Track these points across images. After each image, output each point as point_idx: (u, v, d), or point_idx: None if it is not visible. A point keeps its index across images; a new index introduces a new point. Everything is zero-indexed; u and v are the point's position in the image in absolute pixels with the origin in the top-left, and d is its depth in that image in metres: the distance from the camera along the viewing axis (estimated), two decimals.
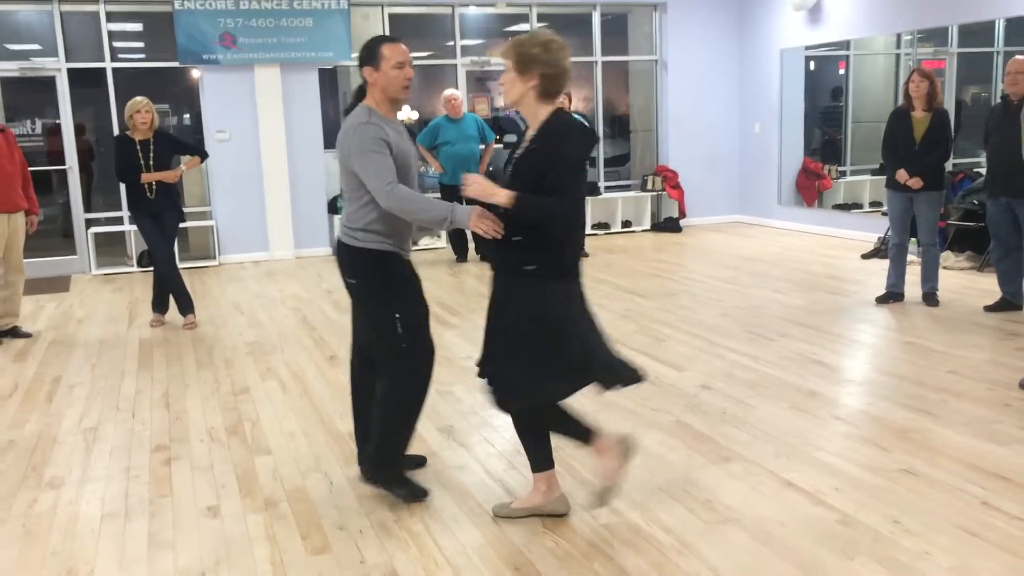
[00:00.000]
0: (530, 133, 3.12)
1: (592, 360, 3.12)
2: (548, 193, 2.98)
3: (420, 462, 3.86)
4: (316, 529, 3.31)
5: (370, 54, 3.36)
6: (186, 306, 6.77)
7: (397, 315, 3.38)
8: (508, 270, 3.13)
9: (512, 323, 3.11)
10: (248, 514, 3.47)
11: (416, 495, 3.50)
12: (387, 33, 10.30)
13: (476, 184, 3.09)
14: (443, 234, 10.27)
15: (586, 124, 3.24)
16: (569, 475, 3.71)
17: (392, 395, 3.45)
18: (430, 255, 9.95)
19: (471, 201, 3.14)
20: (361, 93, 3.43)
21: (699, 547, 3.07)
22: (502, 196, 3.01)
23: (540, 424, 3.30)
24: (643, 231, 11.24)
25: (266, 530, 3.33)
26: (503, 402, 3.22)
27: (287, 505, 3.54)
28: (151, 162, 6.47)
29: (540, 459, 3.32)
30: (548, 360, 3.08)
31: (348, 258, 3.42)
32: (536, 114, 3.10)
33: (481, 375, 3.25)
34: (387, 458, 3.52)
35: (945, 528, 3.14)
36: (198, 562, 3.11)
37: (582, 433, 3.27)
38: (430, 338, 3.52)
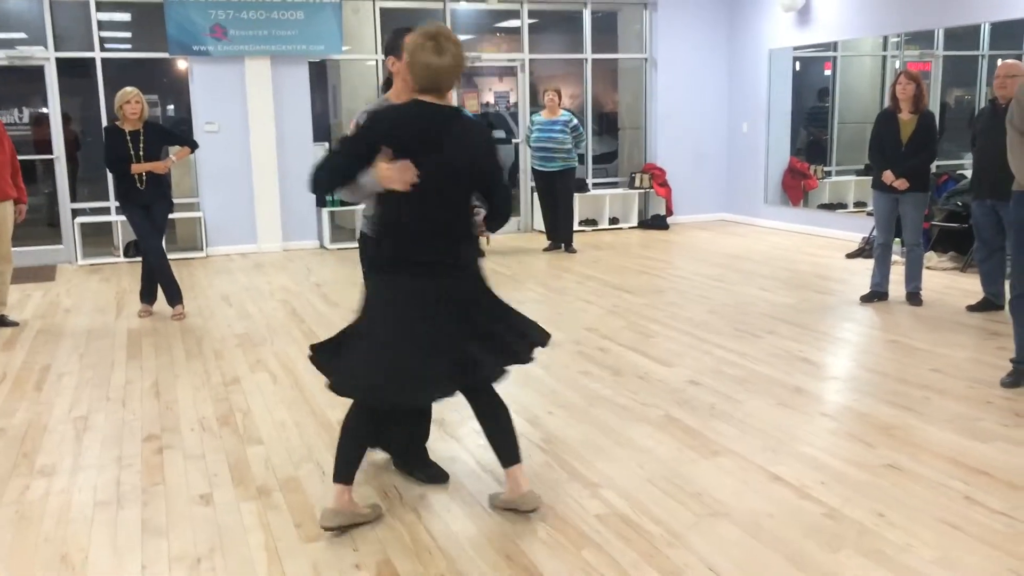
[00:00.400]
0: None
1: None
2: None
3: (443, 477, 3.67)
4: (310, 518, 3.34)
5: (394, 44, 3.34)
6: (174, 297, 6.77)
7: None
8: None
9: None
10: (241, 502, 3.50)
11: (437, 478, 3.62)
12: (378, 27, 10.30)
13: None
14: None
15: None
16: (560, 468, 3.75)
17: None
18: None
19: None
20: (387, 85, 3.46)
21: (689, 539, 3.12)
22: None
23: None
24: (630, 228, 11.30)
25: (259, 518, 3.35)
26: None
27: (280, 494, 3.57)
28: (141, 153, 6.46)
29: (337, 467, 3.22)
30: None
31: (360, 247, 3.43)
32: None
33: None
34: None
35: (928, 522, 3.20)
36: (192, 549, 3.13)
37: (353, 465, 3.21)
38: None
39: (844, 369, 5.15)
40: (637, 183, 11.41)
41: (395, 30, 3.38)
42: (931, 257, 7.94)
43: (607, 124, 13.08)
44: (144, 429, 4.36)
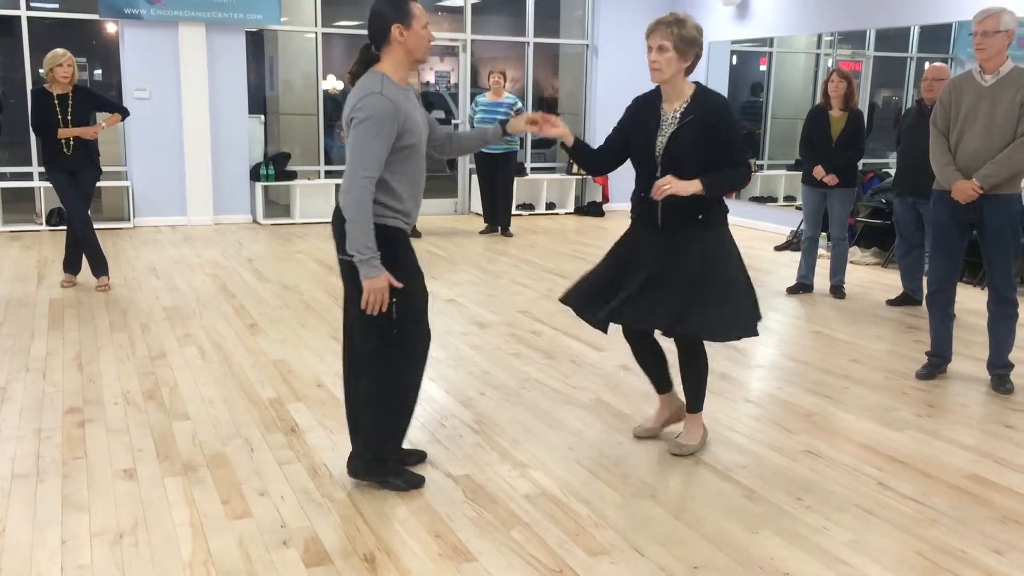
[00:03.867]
0: (675, 107, 3.48)
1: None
2: (725, 158, 3.42)
3: (421, 457, 3.63)
4: (237, 494, 3.31)
5: (399, 11, 3.10)
6: (100, 267, 6.59)
7: (395, 300, 3.13)
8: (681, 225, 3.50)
9: (702, 268, 3.50)
10: (166, 478, 3.45)
11: (414, 483, 3.38)
12: (319, 2, 10.13)
13: (670, 187, 3.37)
14: None
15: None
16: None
17: (384, 387, 3.26)
18: None
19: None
20: (370, 55, 3.19)
21: (614, 519, 3.19)
22: (695, 186, 3.37)
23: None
24: (567, 214, 11.37)
25: (185, 494, 3.31)
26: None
27: (207, 470, 3.52)
28: (69, 117, 6.26)
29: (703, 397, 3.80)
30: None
31: (343, 232, 3.12)
32: (682, 90, 3.49)
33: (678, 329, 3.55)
34: (383, 454, 3.36)
35: (843, 506, 3.33)
36: (114, 524, 3.08)
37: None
38: (428, 326, 3.35)
39: (768, 357, 5.30)
40: (574, 169, 11.48)
41: None
42: (855, 252, 8.19)
43: (547, 109, 13.05)
44: (65, 402, 4.25)
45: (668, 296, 3.51)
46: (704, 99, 3.47)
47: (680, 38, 3.40)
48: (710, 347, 3.78)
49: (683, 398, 3.83)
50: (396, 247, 3.17)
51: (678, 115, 3.47)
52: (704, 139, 3.42)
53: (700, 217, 3.49)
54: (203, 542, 2.96)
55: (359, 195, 3.02)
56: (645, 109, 3.58)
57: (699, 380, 3.75)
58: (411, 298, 3.22)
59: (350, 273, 3.18)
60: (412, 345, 3.29)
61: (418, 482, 3.40)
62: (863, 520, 3.22)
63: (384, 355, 3.23)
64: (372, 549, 2.95)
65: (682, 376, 3.77)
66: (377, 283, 3.06)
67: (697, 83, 3.54)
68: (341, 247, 3.18)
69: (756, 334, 3.63)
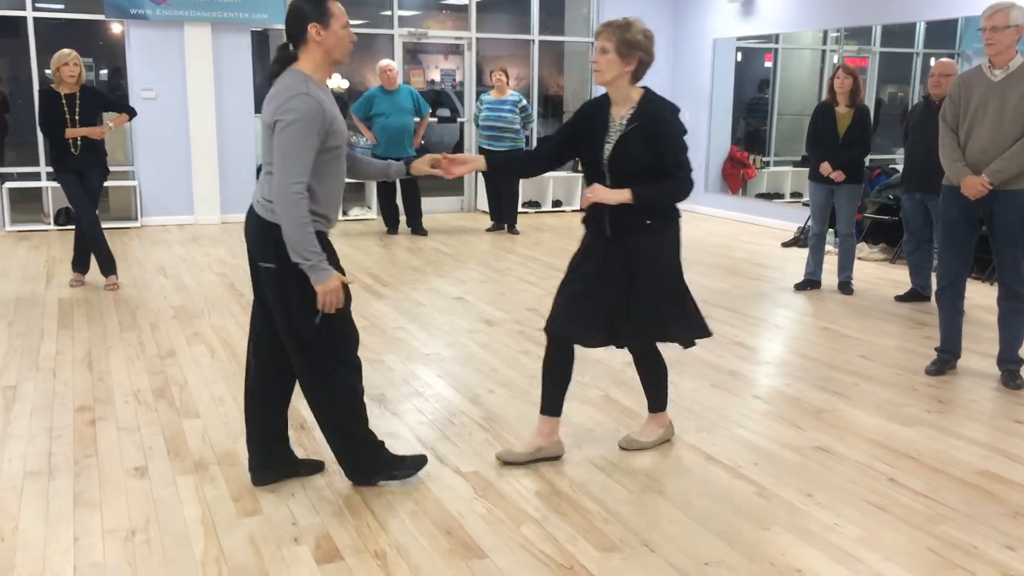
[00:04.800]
0: (622, 112, 3.40)
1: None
2: (668, 168, 3.33)
3: (319, 467, 3.51)
4: (248, 492, 3.32)
5: (316, 10, 3.01)
6: (108, 267, 6.61)
7: (318, 308, 3.06)
8: (628, 230, 3.44)
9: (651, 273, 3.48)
10: (177, 476, 3.46)
11: (418, 465, 3.44)
12: None
13: (598, 194, 3.36)
14: (374, 205, 10.22)
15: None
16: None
17: (328, 396, 3.22)
18: (360, 226, 9.90)
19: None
20: (287, 55, 3.08)
21: (624, 515, 3.19)
22: (624, 195, 3.31)
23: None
24: (573, 211, 11.36)
25: (196, 492, 3.32)
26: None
27: (217, 468, 3.53)
28: (77, 117, 6.27)
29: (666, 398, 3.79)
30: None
31: (265, 236, 3.03)
32: (628, 95, 3.41)
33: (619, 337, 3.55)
34: (367, 457, 3.33)
35: (854, 502, 3.32)
36: (126, 521, 3.09)
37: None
38: (354, 323, 3.27)
39: (777, 354, 5.29)
40: (580, 167, 11.46)
41: None
42: (863, 248, 8.17)
43: (552, 107, 13.10)
44: (76, 400, 4.27)
45: (634, 310, 3.50)
46: (650, 106, 3.37)
47: (623, 41, 3.32)
48: (712, 347, 3.78)
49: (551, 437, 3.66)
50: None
51: (624, 121, 3.38)
52: (647, 147, 3.33)
53: (648, 223, 3.42)
54: (215, 539, 2.97)
55: (294, 203, 2.91)
56: (594, 114, 3.49)
57: (657, 381, 3.76)
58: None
59: (268, 281, 3.11)
60: (343, 347, 3.21)
61: (422, 462, 3.46)
62: (874, 516, 3.21)
63: (322, 364, 3.17)
64: (383, 546, 2.95)
65: (640, 378, 3.81)
66: (330, 284, 3.00)
67: (646, 89, 3.44)
68: (260, 253, 3.10)
69: (708, 334, 3.67)
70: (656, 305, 3.51)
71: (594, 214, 3.50)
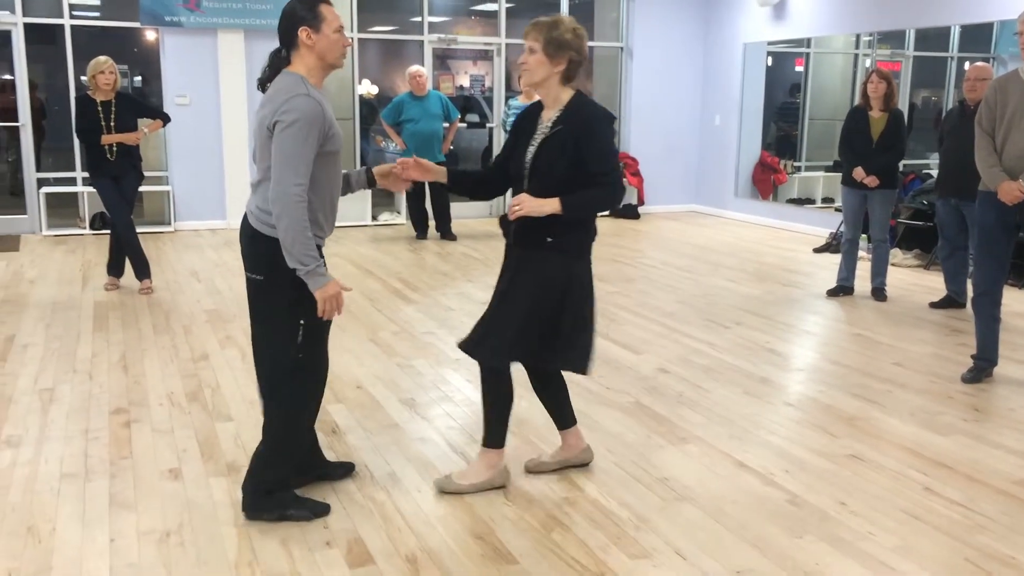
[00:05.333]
0: (550, 115, 3.23)
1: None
2: (593, 175, 3.13)
3: (349, 469, 3.51)
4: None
5: (307, 14, 2.95)
6: (143, 271, 6.70)
7: (302, 322, 3.00)
8: (528, 244, 3.24)
9: (523, 288, 3.24)
10: (211, 478, 3.49)
11: (318, 511, 3.17)
12: (354, 3, 10.21)
13: (526, 205, 3.14)
14: (403, 210, 10.26)
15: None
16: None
17: (282, 413, 3.11)
18: (390, 231, 9.95)
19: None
20: (279, 60, 3.03)
21: (656, 522, 3.17)
22: (553, 205, 3.12)
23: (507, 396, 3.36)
24: (602, 216, 11.32)
25: (229, 494, 3.35)
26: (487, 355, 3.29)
27: None
28: (112, 123, 6.37)
29: (499, 435, 3.38)
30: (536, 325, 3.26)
31: (257, 248, 2.98)
32: (558, 97, 3.22)
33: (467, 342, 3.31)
34: (273, 484, 3.14)
35: (888, 511, 3.28)
36: (161, 523, 3.12)
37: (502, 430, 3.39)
38: (327, 352, 3.22)
39: (809, 361, 5.24)
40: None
41: None
42: (896, 254, 8.08)
43: None
44: (111, 402, 4.32)
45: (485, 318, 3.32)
46: (576, 110, 3.17)
47: (550, 41, 3.15)
48: (744, 354, 3.73)
49: (576, 443, 3.62)
50: None
51: (550, 124, 3.20)
52: (569, 152, 3.13)
53: (549, 240, 3.20)
54: (248, 542, 3.00)
55: (293, 205, 2.84)
56: (527, 117, 3.34)
57: (486, 407, 3.38)
58: (316, 323, 3.04)
59: (256, 293, 3.06)
60: (313, 369, 3.15)
61: (322, 511, 3.17)
62: (909, 525, 3.17)
63: (288, 380, 3.08)
64: (414, 550, 2.96)
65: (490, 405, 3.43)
66: (328, 291, 2.93)
67: (577, 92, 3.25)
68: (250, 264, 3.05)
69: (576, 371, 3.38)
70: (504, 317, 3.26)
71: (503, 219, 3.31)
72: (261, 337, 3.13)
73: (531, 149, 3.25)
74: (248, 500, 3.15)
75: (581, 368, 3.38)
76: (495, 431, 3.38)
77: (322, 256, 3.01)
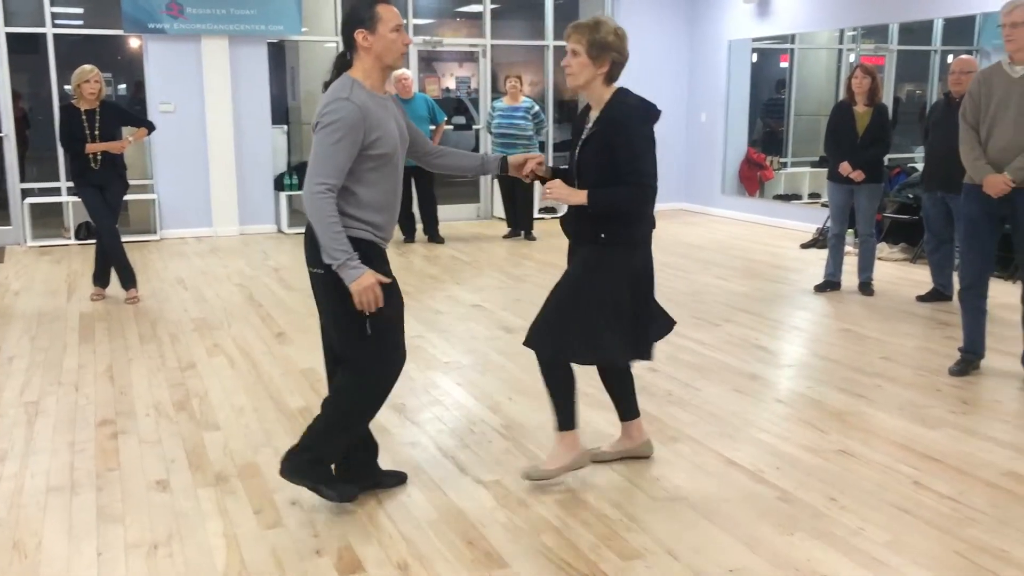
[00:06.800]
0: (594, 115, 3.32)
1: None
2: (623, 173, 3.18)
3: (402, 479, 3.50)
4: (269, 504, 3.32)
5: (363, 15, 2.97)
6: (128, 280, 6.65)
7: (368, 316, 3.03)
8: (585, 240, 3.35)
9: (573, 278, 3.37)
10: (199, 488, 3.47)
11: (345, 495, 3.20)
12: (338, 8, 10.18)
13: (556, 192, 3.28)
14: None
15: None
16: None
17: (348, 394, 3.16)
18: None
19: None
20: (342, 62, 3.07)
21: (647, 522, 3.17)
22: (580, 197, 3.24)
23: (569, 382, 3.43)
24: None
25: (218, 505, 3.32)
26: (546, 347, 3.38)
27: (238, 480, 3.54)
28: (97, 132, 6.33)
29: (569, 418, 3.45)
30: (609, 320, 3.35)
31: (316, 243, 3.02)
32: (601, 97, 3.30)
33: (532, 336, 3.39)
34: (323, 456, 3.17)
35: (879, 506, 3.28)
36: (149, 535, 3.10)
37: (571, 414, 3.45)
38: (403, 344, 3.22)
39: (798, 356, 5.24)
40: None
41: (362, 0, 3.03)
42: (883, 248, 8.10)
43: (568, 112, 13.10)
44: (98, 414, 4.29)
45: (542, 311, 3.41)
46: (614, 110, 3.25)
47: (593, 43, 3.21)
48: (733, 350, 3.73)
49: (638, 435, 3.69)
50: (369, 263, 3.00)
51: (591, 124, 3.32)
52: (604, 152, 3.23)
53: (602, 236, 3.29)
54: (237, 552, 2.98)
55: (318, 203, 2.92)
56: (581, 117, 3.46)
57: (552, 395, 3.45)
58: (383, 316, 3.06)
59: (318, 286, 3.12)
60: (385, 362, 3.15)
61: (350, 495, 3.22)
62: (900, 520, 3.17)
63: (358, 366, 3.12)
64: (405, 556, 2.94)
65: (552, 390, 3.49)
66: (363, 282, 2.94)
67: (618, 90, 3.31)
68: (311, 258, 3.10)
69: (617, 364, 3.51)
70: (556, 309, 3.35)
71: (565, 219, 3.49)
72: (328, 329, 3.19)
73: (576, 150, 3.38)
74: (292, 463, 3.14)
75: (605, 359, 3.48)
76: (564, 415, 3.45)
77: (382, 255, 3.10)
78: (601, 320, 3.31)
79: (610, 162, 3.22)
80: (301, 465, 3.15)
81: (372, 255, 3.06)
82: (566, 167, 3.51)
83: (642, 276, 3.41)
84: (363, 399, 3.19)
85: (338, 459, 3.26)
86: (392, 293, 3.12)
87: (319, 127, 2.95)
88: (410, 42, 3.11)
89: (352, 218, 3.02)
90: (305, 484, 3.16)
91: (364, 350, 3.10)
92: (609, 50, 3.23)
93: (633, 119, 3.24)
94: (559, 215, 10.37)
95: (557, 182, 3.31)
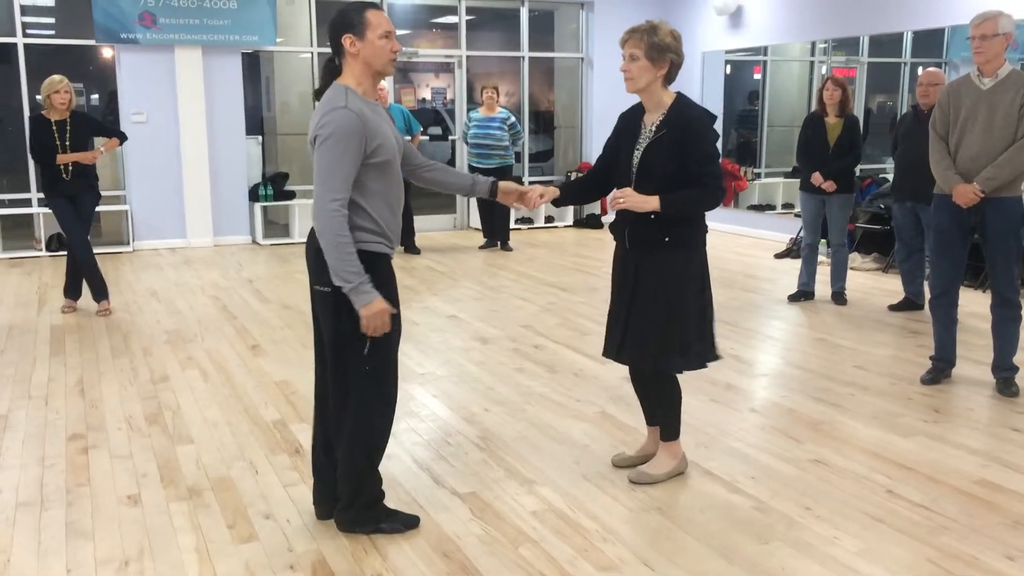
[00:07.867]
0: (653, 118, 3.36)
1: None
2: (694, 176, 3.25)
3: (413, 523, 3.26)
4: (242, 518, 3.29)
5: (352, 20, 2.90)
6: (100, 292, 6.58)
7: (369, 337, 2.93)
8: (646, 246, 3.38)
9: (651, 290, 3.40)
10: (171, 503, 3.42)
11: (409, 524, 3.17)
12: (314, 19, 10.16)
13: (629, 199, 3.28)
14: None
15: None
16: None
17: (361, 432, 3.05)
18: None
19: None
20: (332, 69, 3.00)
21: (623, 533, 3.17)
22: (653, 203, 3.25)
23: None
24: (565, 227, 11.38)
25: (190, 519, 3.29)
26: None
27: (211, 494, 3.50)
28: (68, 143, 6.26)
29: (675, 428, 3.62)
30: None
31: (322, 260, 2.87)
32: (660, 100, 3.35)
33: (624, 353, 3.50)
34: (370, 499, 3.14)
35: (853, 515, 3.30)
36: (120, 552, 3.05)
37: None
38: (396, 363, 3.14)
39: (772, 366, 5.28)
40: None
41: (350, 5, 2.95)
42: (855, 258, 8.18)
43: (543, 123, 13.14)
44: (68, 428, 4.23)
45: (631, 325, 3.46)
46: (680, 112, 3.31)
47: (651, 46, 3.27)
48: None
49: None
50: (376, 275, 2.90)
51: (653, 128, 3.34)
52: (675, 155, 3.27)
53: (667, 240, 3.34)
54: (209, 567, 2.94)
55: (333, 221, 2.81)
56: (628, 124, 3.48)
57: (665, 408, 3.60)
58: (386, 335, 2.97)
59: (322, 305, 2.99)
60: (385, 383, 3.08)
61: (413, 522, 3.20)
62: (873, 528, 3.20)
63: (360, 395, 3.02)
64: (380, 570, 2.92)
65: (653, 403, 3.70)
66: (374, 308, 2.84)
67: (678, 95, 3.40)
68: (317, 277, 2.97)
69: (701, 366, 3.54)
70: (645, 324, 3.41)
71: (618, 223, 3.48)
72: (331, 348, 3.03)
73: (637, 153, 3.38)
74: (347, 517, 3.13)
75: (694, 365, 3.53)
76: (672, 425, 3.59)
77: (390, 269, 3.03)
78: (691, 327, 3.42)
79: (680, 165, 3.27)
80: (357, 516, 3.13)
81: (381, 269, 2.96)
82: (565, 180, 3.55)
83: (707, 276, 3.49)
84: (375, 430, 3.10)
85: (380, 491, 3.18)
86: (395, 318, 3.01)
87: (319, 141, 2.84)
88: (399, 49, 3.03)
89: (361, 230, 2.90)
90: (367, 531, 3.13)
91: (359, 378, 3.00)
92: (667, 52, 3.30)
93: (704, 122, 3.33)
94: (536, 225, 10.22)
95: (629, 190, 3.31)
